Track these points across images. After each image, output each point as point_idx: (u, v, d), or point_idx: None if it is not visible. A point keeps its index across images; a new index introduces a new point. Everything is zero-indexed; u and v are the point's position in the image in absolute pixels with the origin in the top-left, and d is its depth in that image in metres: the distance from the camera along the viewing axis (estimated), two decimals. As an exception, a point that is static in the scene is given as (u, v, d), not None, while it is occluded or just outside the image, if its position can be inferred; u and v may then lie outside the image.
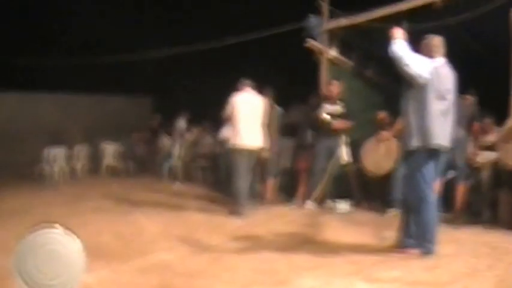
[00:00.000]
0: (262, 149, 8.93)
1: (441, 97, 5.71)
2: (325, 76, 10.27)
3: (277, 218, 8.34)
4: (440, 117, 5.71)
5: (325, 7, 10.23)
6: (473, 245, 6.45)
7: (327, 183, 9.24)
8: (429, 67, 5.68)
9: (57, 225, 3.30)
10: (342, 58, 10.44)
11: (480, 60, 9.15)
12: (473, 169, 8.30)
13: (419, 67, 5.66)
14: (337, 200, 9.07)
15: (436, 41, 5.93)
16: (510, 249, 6.22)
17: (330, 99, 9.42)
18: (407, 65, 5.63)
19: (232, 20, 15.57)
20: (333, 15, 10.23)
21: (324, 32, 10.18)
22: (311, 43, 10.16)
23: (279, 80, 11.69)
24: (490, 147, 8.17)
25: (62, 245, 3.22)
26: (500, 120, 8.11)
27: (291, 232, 7.38)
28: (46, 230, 3.25)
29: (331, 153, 9.25)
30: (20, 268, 3.18)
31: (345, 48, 10.42)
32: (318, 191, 9.18)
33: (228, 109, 8.72)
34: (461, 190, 8.02)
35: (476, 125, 8.40)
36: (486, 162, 7.99)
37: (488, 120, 8.66)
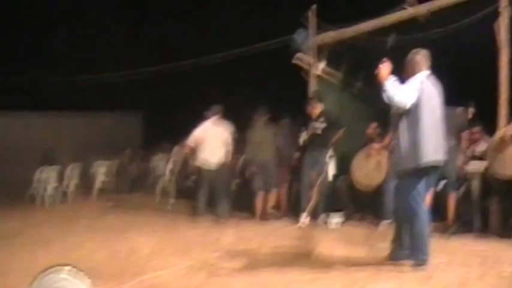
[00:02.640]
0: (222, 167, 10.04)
1: (431, 112, 5.76)
2: (313, 89, 10.32)
3: (271, 233, 8.37)
4: (433, 132, 5.76)
5: (312, 20, 10.27)
6: (465, 254, 6.50)
7: (318, 198, 9.25)
8: (417, 89, 5.71)
9: (68, 266, 3.35)
10: (331, 71, 10.49)
11: (467, 71, 9.26)
12: (463, 178, 8.37)
13: (410, 97, 5.67)
14: (330, 214, 9.09)
15: (420, 57, 5.98)
16: (501, 258, 6.25)
17: (314, 118, 9.48)
18: (399, 101, 5.67)
19: (221, 35, 15.68)
20: (320, 29, 10.28)
21: (312, 45, 10.23)
22: (298, 58, 10.20)
23: (269, 96, 11.81)
24: (480, 157, 8.22)
25: (72, 283, 3.25)
26: (489, 129, 8.17)
27: (285, 247, 7.39)
28: (55, 269, 3.29)
29: (316, 165, 9.28)
30: None
31: (334, 60, 10.48)
32: (309, 205, 9.20)
33: (195, 134, 10.03)
34: (452, 200, 8.08)
35: (466, 135, 8.47)
36: (476, 171, 8.02)
37: (477, 130, 8.75)
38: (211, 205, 10.01)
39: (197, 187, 10.36)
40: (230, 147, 10.18)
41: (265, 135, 10.03)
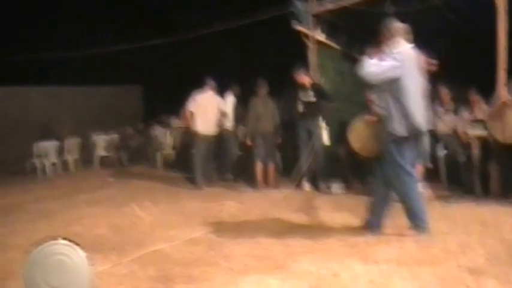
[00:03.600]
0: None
1: (415, 82, 5.82)
2: (313, 59, 10.27)
3: (272, 203, 8.37)
4: (418, 100, 5.83)
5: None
6: (466, 220, 6.53)
7: (316, 164, 9.39)
8: (398, 62, 5.75)
9: (63, 239, 3.34)
10: (329, 41, 10.44)
11: (467, 39, 9.20)
12: (464, 145, 8.39)
13: (391, 70, 5.75)
14: (331, 182, 9.13)
15: (396, 25, 5.99)
16: (501, 224, 6.28)
17: (303, 88, 9.53)
18: (381, 77, 5.79)
19: (218, 6, 15.54)
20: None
21: (310, 15, 10.15)
22: (298, 27, 10.15)
23: (269, 67, 11.75)
24: (479, 123, 8.27)
25: (67, 255, 3.25)
26: (488, 96, 8.20)
27: (286, 216, 7.40)
28: (51, 243, 3.28)
29: (311, 134, 9.41)
30: (29, 281, 3.22)
31: (332, 31, 10.40)
32: (307, 172, 9.37)
33: (190, 105, 10.53)
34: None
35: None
36: (476, 138, 8.08)
37: (475, 95, 8.77)
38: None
39: (193, 156, 10.73)
40: (226, 117, 10.91)
41: (266, 107, 10.15)
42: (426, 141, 7.44)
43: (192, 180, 10.68)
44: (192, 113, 10.50)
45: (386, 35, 5.96)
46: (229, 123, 10.98)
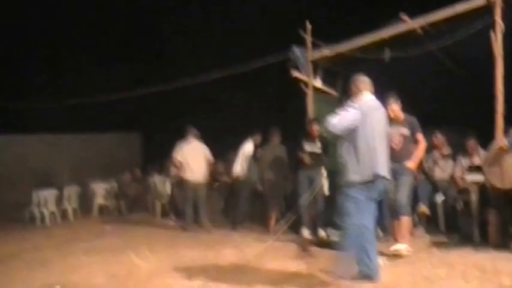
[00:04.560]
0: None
1: (371, 131, 5.99)
2: (311, 107, 10.37)
3: (271, 251, 8.30)
4: (377, 148, 6.00)
5: (308, 38, 10.33)
6: (465, 266, 6.53)
7: (315, 213, 9.46)
8: (356, 112, 5.99)
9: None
10: (326, 88, 10.55)
11: (464, 84, 9.29)
12: (461, 191, 8.42)
13: (348, 122, 5.99)
14: (328, 229, 9.13)
15: (362, 79, 6.29)
16: (500, 270, 6.28)
17: (311, 138, 9.65)
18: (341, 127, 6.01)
19: (217, 55, 15.72)
20: (315, 45, 10.33)
21: (307, 62, 10.27)
22: (296, 74, 10.27)
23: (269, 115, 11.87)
24: (477, 168, 8.32)
25: None
26: (487, 144, 8.21)
27: (284, 264, 7.36)
28: None
29: (312, 182, 9.46)
30: None
31: (329, 77, 10.53)
32: (307, 219, 9.44)
33: (176, 153, 11.17)
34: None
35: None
36: (474, 184, 8.13)
37: (472, 143, 8.84)
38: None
39: (183, 201, 11.38)
40: (211, 164, 11.45)
41: (277, 154, 10.57)
42: (403, 191, 7.44)
43: (184, 228, 11.01)
44: (180, 162, 11.08)
45: (352, 89, 6.28)
46: (242, 172, 11.06)
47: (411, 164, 7.46)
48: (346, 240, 6.09)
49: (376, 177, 5.95)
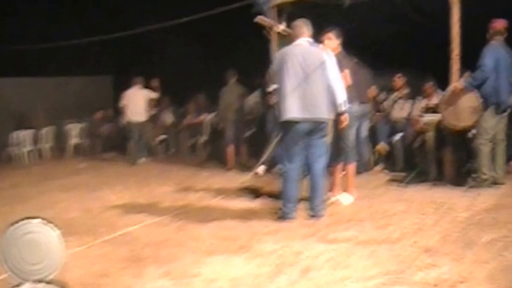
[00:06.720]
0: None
1: (295, 75, 6.17)
2: (275, 51, 10.51)
3: (238, 186, 8.61)
4: (296, 92, 6.16)
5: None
6: (421, 202, 6.81)
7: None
8: (275, 59, 6.54)
9: (37, 218, 3.53)
10: (289, 31, 10.67)
11: (421, 28, 9.44)
12: (418, 130, 8.77)
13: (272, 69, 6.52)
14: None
15: (296, 24, 6.52)
16: (455, 205, 6.55)
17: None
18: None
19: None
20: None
21: (272, 7, 10.33)
22: (260, 18, 10.34)
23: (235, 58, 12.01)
24: (434, 109, 8.61)
25: (41, 233, 3.45)
26: (442, 84, 8.49)
27: (249, 199, 7.64)
28: (26, 221, 3.48)
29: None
30: (5, 257, 3.41)
31: (292, 21, 10.62)
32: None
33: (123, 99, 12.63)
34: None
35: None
36: (431, 123, 8.35)
37: (430, 85, 9.16)
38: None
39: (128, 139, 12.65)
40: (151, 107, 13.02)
41: (234, 96, 10.78)
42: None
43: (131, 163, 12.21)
44: (122, 106, 12.60)
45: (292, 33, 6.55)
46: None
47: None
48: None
49: (290, 119, 6.17)
